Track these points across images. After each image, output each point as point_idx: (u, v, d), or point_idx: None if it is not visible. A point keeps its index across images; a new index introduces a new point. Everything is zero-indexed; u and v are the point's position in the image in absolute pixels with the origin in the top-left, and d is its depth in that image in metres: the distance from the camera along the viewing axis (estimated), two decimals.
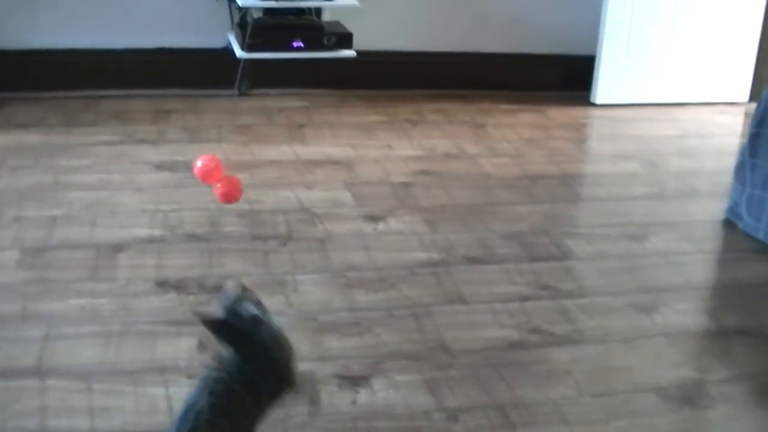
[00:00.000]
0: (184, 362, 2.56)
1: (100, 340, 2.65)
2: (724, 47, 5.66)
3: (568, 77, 5.81)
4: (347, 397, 2.45)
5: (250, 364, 1.66)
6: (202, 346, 2.64)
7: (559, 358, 2.71)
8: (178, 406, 2.33)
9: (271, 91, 5.39)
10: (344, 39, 5.03)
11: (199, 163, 2.98)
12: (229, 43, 5.12)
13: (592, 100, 5.59)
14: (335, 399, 2.44)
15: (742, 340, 2.88)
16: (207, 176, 3.09)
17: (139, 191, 3.77)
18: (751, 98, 5.71)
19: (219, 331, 1.63)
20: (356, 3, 5.03)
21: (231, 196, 3.14)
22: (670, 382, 2.62)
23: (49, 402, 2.35)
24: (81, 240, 3.29)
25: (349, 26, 5.12)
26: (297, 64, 5.29)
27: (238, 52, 4.92)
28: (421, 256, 3.33)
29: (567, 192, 4.10)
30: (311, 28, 5.07)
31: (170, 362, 2.56)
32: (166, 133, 4.56)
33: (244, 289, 1.72)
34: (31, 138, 4.39)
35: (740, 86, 5.78)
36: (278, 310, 2.87)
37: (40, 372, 2.48)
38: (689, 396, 2.56)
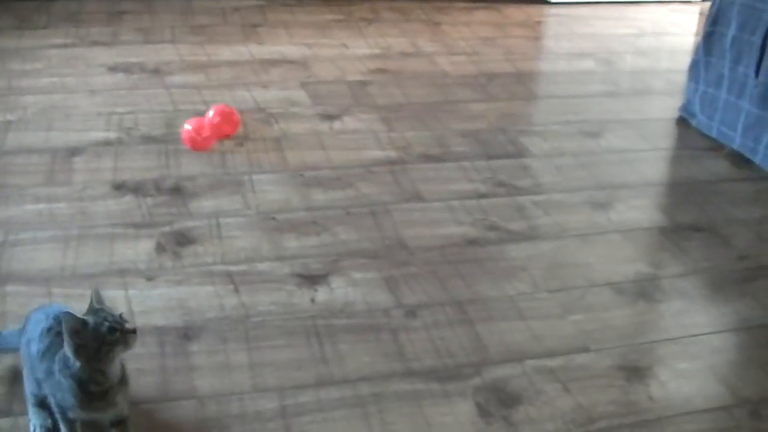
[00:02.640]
0: (143, 264, 2.57)
1: (58, 245, 2.65)
2: None
3: None
4: (306, 296, 2.47)
5: None
6: (160, 248, 2.65)
7: (516, 255, 2.74)
8: (139, 308, 2.36)
9: None
10: None
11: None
12: None
13: None
14: (294, 298, 2.46)
15: (694, 235, 2.92)
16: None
17: (93, 94, 3.74)
18: None
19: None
20: None
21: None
22: (625, 277, 2.66)
23: (9, 308, 2.35)
24: (36, 144, 3.27)
25: None
26: None
27: None
28: (378, 154, 3.33)
29: (523, 90, 4.10)
30: None
31: (129, 264, 2.57)
32: (119, 35, 4.51)
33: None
34: None
35: None
36: (236, 210, 2.88)
37: None
38: (643, 290, 2.60)
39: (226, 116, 3.37)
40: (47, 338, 1.87)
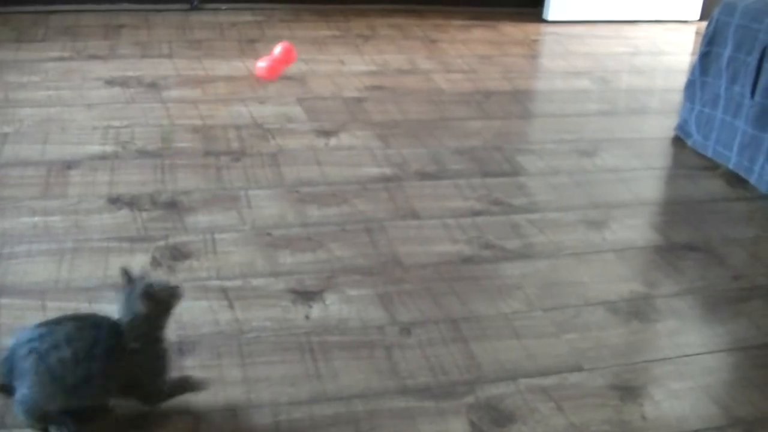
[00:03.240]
0: None
1: (53, 258, 2.65)
2: None
3: None
4: (300, 312, 2.47)
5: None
6: (155, 263, 2.65)
7: (511, 273, 2.74)
8: None
9: (223, 6, 5.34)
10: None
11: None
12: None
13: (544, 16, 5.59)
14: (289, 314, 2.46)
15: (689, 255, 2.93)
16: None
17: (90, 107, 3.74)
18: (702, 17, 5.73)
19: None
20: None
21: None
22: (620, 296, 2.66)
23: (3, 320, 2.35)
24: (32, 157, 3.27)
25: None
26: None
27: None
28: (374, 171, 3.34)
29: (519, 108, 4.11)
30: None
31: None
32: (117, 49, 4.52)
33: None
34: None
35: (691, 4, 5.79)
36: (232, 226, 2.88)
37: None
38: (638, 310, 2.60)
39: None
40: (83, 336, 1.92)
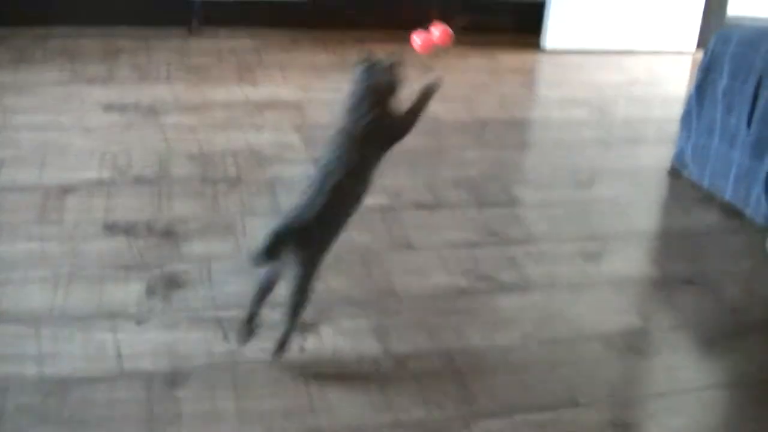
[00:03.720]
0: (132, 308, 2.56)
1: (48, 285, 2.64)
2: None
3: (518, 22, 5.80)
4: (295, 344, 2.45)
5: None
6: (150, 291, 2.64)
7: (506, 305, 2.74)
8: (127, 352, 2.34)
9: (222, 31, 5.35)
10: None
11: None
12: None
13: (542, 45, 5.60)
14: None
15: (686, 288, 2.92)
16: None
17: (87, 132, 3.74)
18: (699, 46, 5.74)
19: None
20: None
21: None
22: (616, 329, 2.66)
23: None
24: (29, 182, 3.27)
25: None
26: (248, 3, 5.26)
27: None
28: (369, 200, 3.31)
29: (516, 137, 4.12)
30: None
31: (119, 307, 2.56)
32: (115, 72, 4.52)
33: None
34: None
35: (688, 35, 5.80)
36: (227, 254, 2.87)
37: None
38: (634, 343, 2.60)
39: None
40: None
